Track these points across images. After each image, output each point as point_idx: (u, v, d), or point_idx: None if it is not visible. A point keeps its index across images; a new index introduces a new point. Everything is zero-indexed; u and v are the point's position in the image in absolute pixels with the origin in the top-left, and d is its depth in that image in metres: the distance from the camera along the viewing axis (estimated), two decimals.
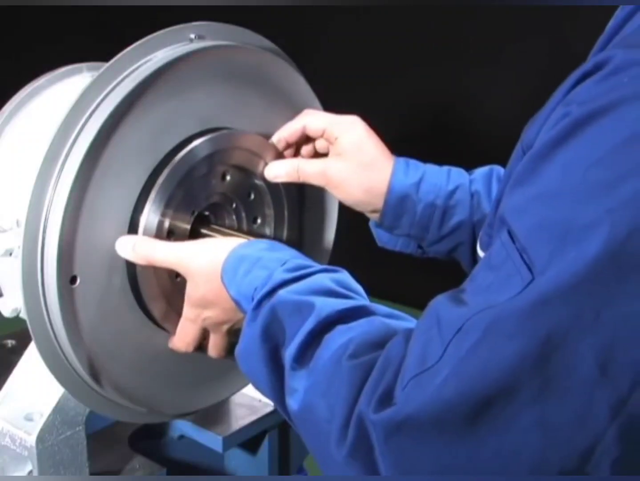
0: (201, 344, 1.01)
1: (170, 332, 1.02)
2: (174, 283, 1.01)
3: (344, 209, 1.19)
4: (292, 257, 0.90)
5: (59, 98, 1.10)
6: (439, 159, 1.15)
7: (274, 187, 1.11)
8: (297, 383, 0.77)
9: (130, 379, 1.02)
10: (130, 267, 0.97)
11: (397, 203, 1.09)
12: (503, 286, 0.65)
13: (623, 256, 0.61)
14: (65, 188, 0.89)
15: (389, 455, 0.66)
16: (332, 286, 0.84)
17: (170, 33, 0.98)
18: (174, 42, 0.97)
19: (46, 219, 0.89)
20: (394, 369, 0.69)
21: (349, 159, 1.08)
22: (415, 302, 1.33)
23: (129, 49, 0.94)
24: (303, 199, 1.18)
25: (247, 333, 0.84)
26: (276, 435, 1.26)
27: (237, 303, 0.90)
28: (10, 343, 1.36)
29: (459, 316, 0.66)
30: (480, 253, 0.92)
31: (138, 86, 0.92)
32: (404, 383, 0.67)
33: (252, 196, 1.10)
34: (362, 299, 0.84)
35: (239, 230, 1.09)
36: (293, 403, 0.77)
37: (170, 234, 1.00)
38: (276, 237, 1.12)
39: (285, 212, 1.13)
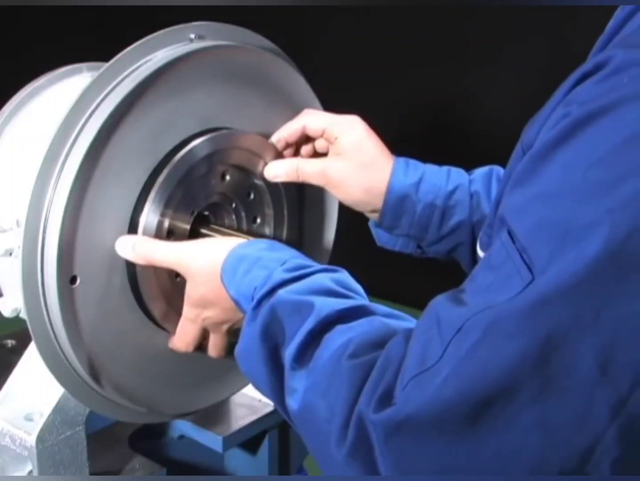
0: (201, 344, 1.01)
1: (170, 332, 1.02)
2: (173, 283, 1.01)
3: (344, 209, 1.19)
4: (292, 257, 0.90)
5: (59, 98, 1.09)
6: (439, 159, 1.15)
7: (273, 187, 1.11)
8: (297, 383, 0.77)
9: (130, 379, 1.02)
10: (130, 267, 0.97)
11: (396, 203, 1.09)
12: (503, 286, 0.65)
13: (623, 256, 0.61)
14: (65, 188, 0.89)
15: (388, 455, 0.66)
16: (331, 285, 0.84)
17: (170, 33, 0.98)
18: (174, 42, 0.97)
19: (46, 219, 0.89)
20: (393, 369, 0.69)
21: (349, 159, 1.08)
22: (415, 302, 1.33)
23: (129, 49, 0.94)
24: (303, 199, 1.17)
25: (247, 333, 0.84)
26: (276, 435, 1.26)
27: (236, 303, 0.90)
28: (10, 343, 1.36)
29: (459, 316, 0.66)
30: (480, 253, 0.91)
31: (138, 86, 0.92)
32: (404, 383, 0.67)
33: (252, 196, 1.10)
34: (361, 299, 0.84)
35: (239, 230, 1.09)
36: (293, 403, 0.77)
37: (170, 234, 1.00)
38: (276, 237, 1.12)
39: (285, 212, 1.13)
